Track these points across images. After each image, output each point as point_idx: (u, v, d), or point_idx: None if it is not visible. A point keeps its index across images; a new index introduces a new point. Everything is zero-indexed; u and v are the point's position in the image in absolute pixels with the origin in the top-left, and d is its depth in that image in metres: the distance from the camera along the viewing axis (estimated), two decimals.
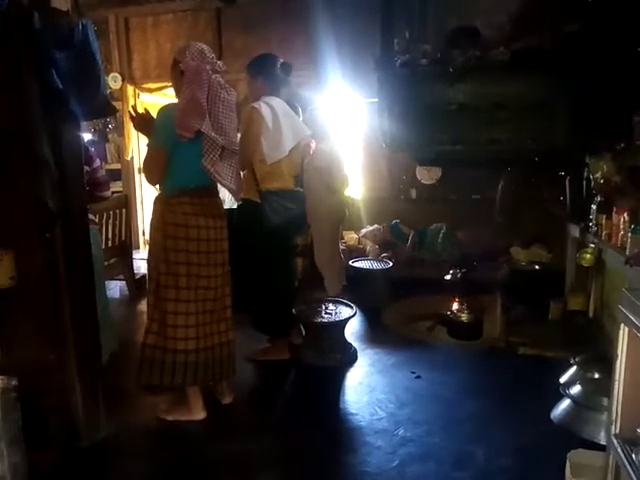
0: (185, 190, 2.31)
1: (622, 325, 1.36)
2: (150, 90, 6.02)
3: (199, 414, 2.47)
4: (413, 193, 5.34)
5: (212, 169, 2.25)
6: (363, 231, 5.15)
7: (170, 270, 2.32)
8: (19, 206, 2.01)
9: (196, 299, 2.36)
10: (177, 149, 2.24)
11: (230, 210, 2.96)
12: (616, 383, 1.40)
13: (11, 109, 1.90)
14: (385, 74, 3.10)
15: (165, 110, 2.28)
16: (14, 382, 0.95)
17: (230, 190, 2.41)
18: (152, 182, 2.38)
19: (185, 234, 2.30)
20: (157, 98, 6.17)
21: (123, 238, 4.22)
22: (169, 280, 2.33)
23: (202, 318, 2.39)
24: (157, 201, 2.39)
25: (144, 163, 2.36)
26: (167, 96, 6.08)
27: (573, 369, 2.60)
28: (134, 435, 2.42)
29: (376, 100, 3.41)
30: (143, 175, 2.46)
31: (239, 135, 2.96)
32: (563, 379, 2.59)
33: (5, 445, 0.91)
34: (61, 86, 1.91)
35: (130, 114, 2.38)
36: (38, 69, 1.88)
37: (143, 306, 4.19)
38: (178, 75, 2.30)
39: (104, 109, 2.14)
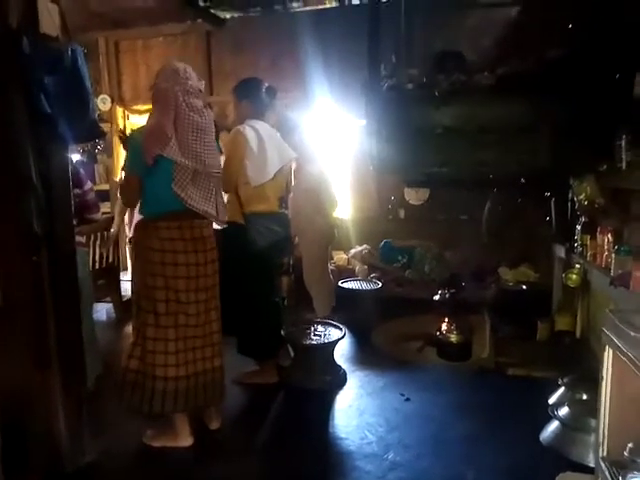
0: (161, 214, 2.28)
1: (607, 347, 1.37)
2: (140, 112, 6.04)
3: (186, 440, 2.43)
4: (402, 213, 5.38)
5: (182, 194, 2.22)
6: (352, 251, 5.17)
7: (149, 295, 2.30)
8: (5, 228, 1.99)
9: (176, 325, 2.31)
10: (149, 174, 2.23)
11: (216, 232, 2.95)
12: (602, 405, 1.41)
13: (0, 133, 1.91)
14: (372, 98, 3.15)
15: (134, 135, 2.29)
16: None
17: (207, 214, 2.35)
18: (127, 205, 2.39)
19: (161, 259, 2.27)
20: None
21: (111, 260, 4.19)
22: (149, 305, 2.30)
23: (183, 344, 2.33)
24: (136, 225, 2.39)
25: (119, 188, 2.36)
26: None
27: (561, 390, 2.61)
28: (119, 461, 2.37)
29: (364, 122, 3.46)
30: (120, 198, 2.44)
31: (223, 158, 2.99)
32: (552, 400, 2.59)
33: None
34: (49, 110, 1.91)
35: (120, 137, 2.39)
36: (27, 93, 1.89)
37: (130, 329, 4.15)
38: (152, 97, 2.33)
39: (93, 133, 2.15)
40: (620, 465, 1.30)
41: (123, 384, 2.34)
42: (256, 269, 2.94)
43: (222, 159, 2.91)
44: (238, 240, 2.86)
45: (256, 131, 2.92)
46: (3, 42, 1.81)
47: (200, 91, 2.32)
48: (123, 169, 2.34)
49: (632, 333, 1.24)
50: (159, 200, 2.27)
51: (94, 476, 2.24)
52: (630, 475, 1.23)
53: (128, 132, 2.47)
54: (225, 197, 3.21)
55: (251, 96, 3.01)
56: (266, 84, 3.07)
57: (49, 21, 1.94)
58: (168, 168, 2.20)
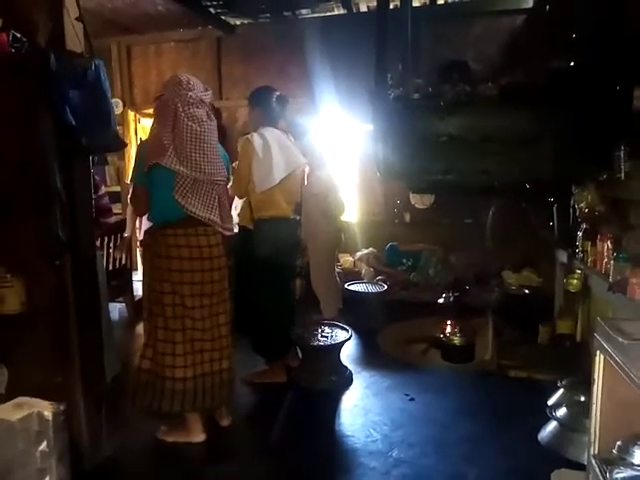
0: (168, 222, 2.37)
1: (598, 352, 1.47)
2: (151, 115, 6.16)
3: (198, 436, 2.53)
4: (407, 217, 5.47)
5: (183, 201, 2.31)
6: (358, 254, 5.26)
7: (158, 299, 2.41)
8: (31, 235, 2.10)
9: (183, 328, 2.41)
10: (155, 183, 2.33)
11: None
12: (594, 406, 1.50)
13: (27, 143, 2.02)
14: (379, 107, 3.24)
15: (140, 146, 2.41)
16: (62, 407, 1.08)
17: (209, 221, 2.40)
18: (138, 214, 2.49)
19: (167, 265, 2.37)
20: None
21: (123, 261, 4.30)
22: (158, 309, 2.41)
23: (190, 347, 2.43)
24: (145, 232, 2.50)
25: (129, 197, 2.46)
26: None
27: (560, 392, 2.69)
28: (135, 456, 2.49)
29: (371, 128, 3.55)
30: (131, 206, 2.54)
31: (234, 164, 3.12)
32: (550, 402, 2.67)
33: (54, 461, 1.02)
34: (74, 122, 2.02)
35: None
36: (53, 106, 2.00)
37: (142, 328, 4.27)
38: None
39: (114, 144, 2.25)
40: (609, 462, 1.39)
41: (137, 384, 2.46)
42: (264, 273, 3.04)
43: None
44: (247, 245, 2.97)
45: (264, 138, 3.02)
46: (32, 60, 1.92)
47: (202, 101, 2.38)
48: (131, 180, 2.45)
49: (620, 340, 1.33)
50: (164, 208, 2.36)
51: (111, 470, 2.35)
52: (617, 470, 1.32)
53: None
54: (240, 203, 3.33)
55: (263, 104, 3.12)
56: (278, 92, 3.18)
57: (74, 38, 2.06)
58: (169, 177, 2.29)
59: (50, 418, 1.03)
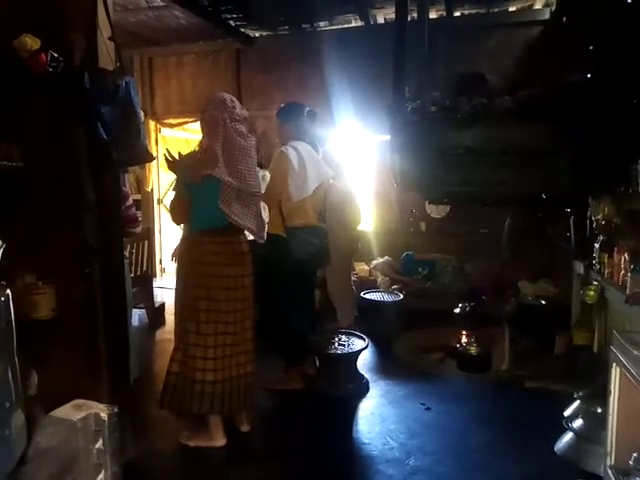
0: (206, 230, 2.49)
1: (614, 364, 1.50)
2: (171, 125, 6.31)
3: (220, 441, 2.60)
4: (423, 226, 5.51)
5: (228, 210, 2.44)
6: (374, 263, 5.30)
7: (192, 304, 2.50)
8: (62, 243, 2.19)
9: (215, 333, 2.51)
10: (198, 193, 2.44)
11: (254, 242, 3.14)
12: (610, 417, 1.53)
13: (61, 157, 2.11)
14: (397, 119, 3.30)
15: (185, 158, 2.51)
16: (116, 409, 1.18)
17: (248, 229, 2.57)
18: (176, 222, 2.58)
19: (206, 271, 2.47)
20: (177, 132, 6.46)
21: (145, 268, 4.41)
22: (191, 313, 2.50)
23: (221, 351, 2.52)
24: (182, 239, 2.59)
25: (170, 206, 2.57)
26: (187, 130, 6.38)
27: (576, 403, 2.70)
28: (157, 459, 2.55)
29: (387, 138, 3.61)
30: (170, 215, 2.64)
31: (268, 176, 3.21)
32: (567, 413, 2.68)
33: (109, 457, 1.10)
34: (105, 137, 2.12)
35: (165, 157, 2.60)
36: (86, 122, 2.09)
37: (162, 334, 4.37)
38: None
39: (143, 157, 2.34)
40: (625, 473, 1.42)
41: (166, 386, 2.54)
42: (295, 278, 3.14)
43: (267, 178, 3.16)
44: (280, 251, 3.06)
45: (297, 151, 3.14)
46: (67, 78, 2.02)
47: (245, 118, 2.54)
48: (174, 189, 2.55)
49: (636, 352, 1.37)
50: (205, 216, 2.48)
51: (134, 474, 2.41)
52: None
53: (176, 155, 2.66)
54: (267, 212, 3.44)
55: (293, 120, 3.24)
56: (308, 108, 3.27)
57: (106, 57, 2.16)
58: (215, 187, 2.41)
59: (106, 419, 1.11)
